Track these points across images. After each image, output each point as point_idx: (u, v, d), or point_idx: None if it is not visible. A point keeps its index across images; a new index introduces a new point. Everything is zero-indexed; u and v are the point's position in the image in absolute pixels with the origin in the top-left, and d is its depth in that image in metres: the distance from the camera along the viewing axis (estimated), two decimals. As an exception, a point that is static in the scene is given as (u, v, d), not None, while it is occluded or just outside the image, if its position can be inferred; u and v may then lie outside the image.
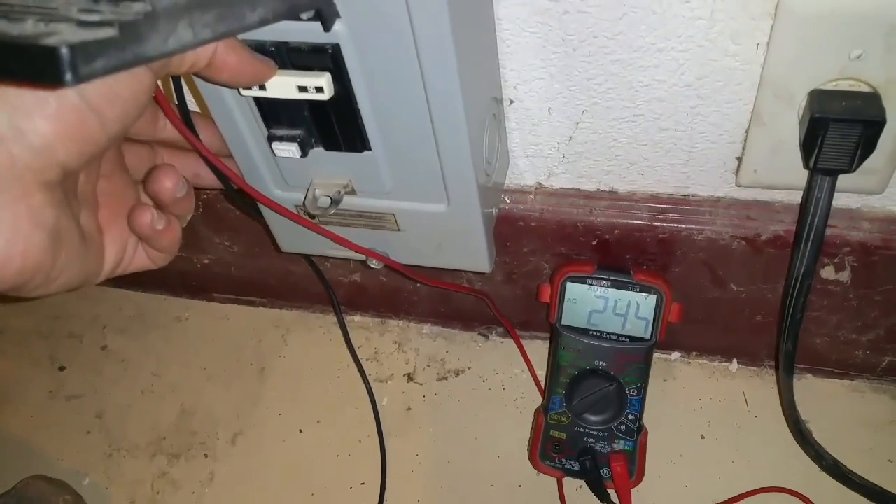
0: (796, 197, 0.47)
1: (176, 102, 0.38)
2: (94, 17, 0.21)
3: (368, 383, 0.65)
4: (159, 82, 0.32)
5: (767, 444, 0.58)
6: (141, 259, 0.38)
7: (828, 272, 0.51)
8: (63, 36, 0.20)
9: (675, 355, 0.64)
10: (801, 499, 0.54)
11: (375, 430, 0.63)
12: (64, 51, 0.19)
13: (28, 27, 0.21)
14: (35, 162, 0.27)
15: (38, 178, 0.27)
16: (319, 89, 0.34)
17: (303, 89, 0.34)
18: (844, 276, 0.51)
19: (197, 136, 0.39)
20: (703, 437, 0.59)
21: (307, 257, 0.59)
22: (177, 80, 0.37)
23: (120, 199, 0.36)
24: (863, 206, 0.47)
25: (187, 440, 0.67)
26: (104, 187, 0.35)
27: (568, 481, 0.57)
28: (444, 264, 0.49)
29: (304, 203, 0.43)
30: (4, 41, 0.20)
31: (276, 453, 0.65)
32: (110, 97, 0.27)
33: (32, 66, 0.20)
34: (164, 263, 0.39)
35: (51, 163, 0.27)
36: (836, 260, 0.50)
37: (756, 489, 0.55)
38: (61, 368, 0.74)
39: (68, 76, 0.19)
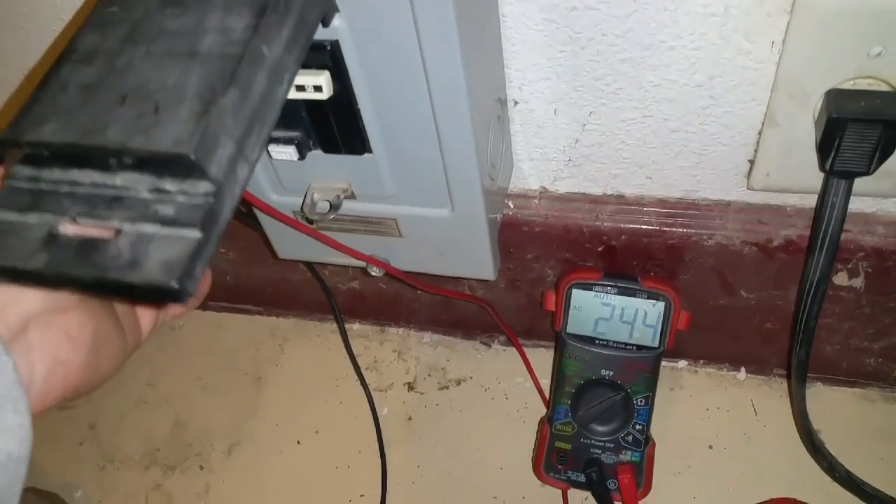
0: (809, 201, 0.46)
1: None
2: (170, 211, 0.22)
3: (369, 393, 0.64)
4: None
5: (777, 454, 0.57)
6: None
7: (841, 278, 0.49)
8: (156, 252, 0.21)
9: (682, 363, 0.63)
10: (812, 511, 0.53)
11: (375, 440, 0.62)
12: (174, 284, 0.21)
13: (124, 247, 0.22)
14: None
15: (75, 297, 0.27)
16: (318, 88, 0.33)
17: (300, 88, 0.33)
18: (858, 282, 0.49)
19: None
20: (711, 447, 0.58)
21: (307, 264, 0.58)
22: None
23: None
24: (878, 211, 0.46)
25: (182, 451, 0.65)
26: None
27: (573, 493, 0.56)
28: (447, 272, 0.47)
29: (302, 208, 0.41)
30: (107, 276, 0.21)
31: (274, 465, 0.63)
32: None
33: (144, 294, 0.21)
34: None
35: None
36: (849, 266, 0.48)
37: (766, 501, 0.54)
38: (53, 378, 0.73)
39: (184, 299, 0.21)
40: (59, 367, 0.27)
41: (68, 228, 0.22)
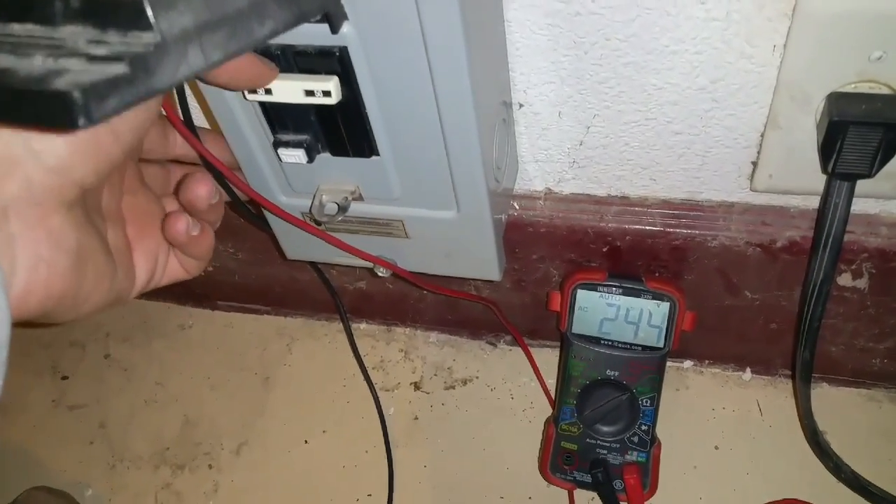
0: (812, 202, 0.46)
1: (180, 112, 0.37)
2: (103, 51, 0.20)
3: (375, 392, 0.64)
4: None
5: (783, 454, 0.57)
6: (174, 269, 0.38)
7: (845, 279, 0.50)
8: (73, 76, 0.19)
9: (688, 364, 0.63)
10: (818, 511, 0.53)
11: (382, 440, 0.62)
12: (76, 94, 0.18)
13: (36, 64, 0.20)
14: (52, 182, 0.26)
15: (57, 198, 0.26)
16: (327, 93, 0.33)
17: (310, 93, 0.33)
18: (862, 283, 0.50)
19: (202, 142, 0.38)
20: (716, 447, 0.58)
21: (313, 264, 0.58)
22: (180, 90, 0.36)
23: (146, 214, 0.36)
24: (881, 212, 0.46)
25: (191, 451, 0.66)
26: (129, 203, 0.35)
27: (579, 494, 0.56)
28: (453, 272, 0.48)
29: (310, 210, 0.42)
30: (13, 85, 0.19)
31: (282, 464, 0.64)
32: None
33: (44, 110, 0.19)
34: (198, 272, 0.39)
35: (68, 181, 0.26)
36: (853, 266, 0.49)
37: (772, 501, 0.54)
38: (64, 378, 0.74)
39: (81, 121, 0.19)
40: (42, 267, 0.26)
41: None
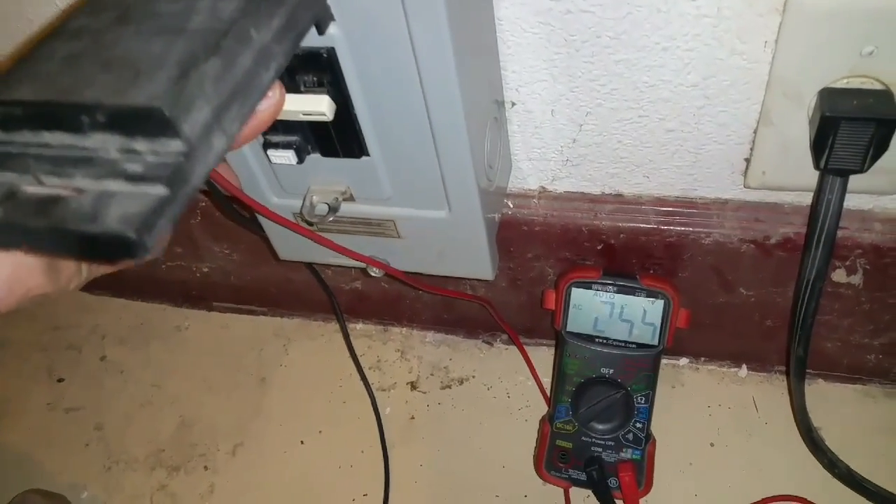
0: (806, 198, 0.46)
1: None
2: (139, 167, 0.21)
3: (372, 392, 0.64)
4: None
5: (779, 451, 0.57)
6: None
7: (839, 275, 0.50)
8: (120, 206, 0.21)
9: (683, 361, 0.63)
10: (814, 507, 0.53)
11: (378, 440, 0.62)
12: (132, 235, 0.20)
13: (85, 202, 0.21)
14: None
15: None
16: (321, 114, 0.33)
17: (307, 114, 0.34)
18: (856, 279, 0.49)
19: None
20: (712, 444, 0.58)
21: (308, 265, 0.58)
22: None
23: None
24: (875, 207, 0.46)
25: (187, 452, 0.66)
26: None
27: (575, 491, 0.56)
28: (447, 272, 0.48)
29: (301, 211, 0.42)
30: (68, 226, 0.21)
31: (278, 465, 0.64)
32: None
33: (104, 250, 0.20)
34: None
35: None
36: (847, 262, 0.48)
37: (767, 498, 0.54)
38: (60, 380, 0.74)
39: (140, 255, 0.20)
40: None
41: (30, 187, 0.22)
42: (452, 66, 0.32)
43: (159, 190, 0.21)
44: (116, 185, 0.21)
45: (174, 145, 0.21)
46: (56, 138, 0.22)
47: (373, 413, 0.63)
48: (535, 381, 0.63)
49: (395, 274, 0.47)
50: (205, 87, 0.22)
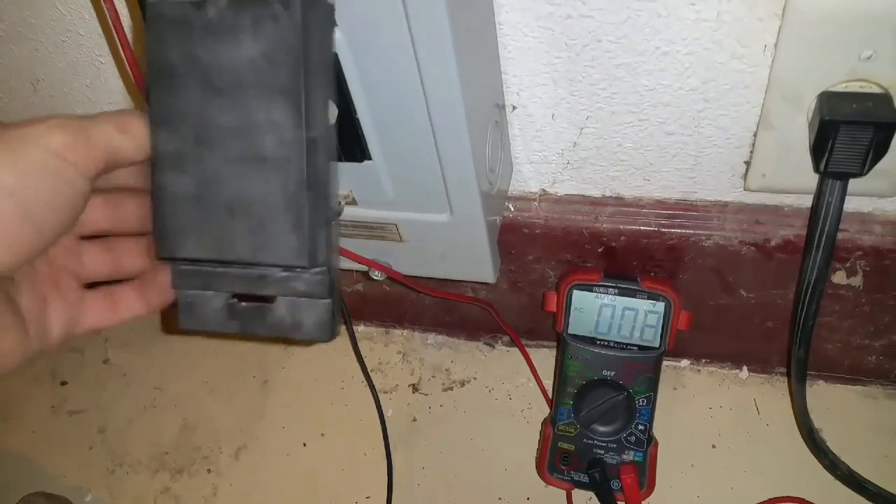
0: (806, 201, 0.46)
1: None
2: (301, 286, 0.31)
3: (376, 394, 0.64)
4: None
5: (780, 452, 0.57)
6: (133, 306, 0.35)
7: (839, 277, 0.50)
8: (309, 316, 0.32)
9: (685, 363, 0.63)
10: (815, 509, 0.53)
11: (380, 442, 0.62)
12: (328, 339, 0.32)
13: (284, 313, 0.32)
14: None
15: None
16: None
17: None
18: (856, 280, 0.50)
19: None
20: (714, 446, 0.58)
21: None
22: None
23: (64, 258, 0.34)
24: (874, 210, 0.46)
25: (190, 455, 0.66)
26: (41, 260, 0.32)
27: (577, 493, 0.56)
28: (448, 275, 0.48)
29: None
30: (274, 333, 0.32)
31: (281, 467, 0.64)
32: (48, 203, 0.27)
33: (302, 342, 0.29)
34: (162, 306, 0.36)
35: None
36: (847, 265, 0.49)
37: (769, 499, 0.54)
38: (63, 383, 0.74)
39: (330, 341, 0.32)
40: None
41: (239, 301, 0.32)
42: (454, 71, 0.32)
43: (327, 301, 0.31)
44: (295, 297, 0.31)
45: (318, 269, 0.31)
46: (233, 268, 0.32)
47: (375, 415, 0.63)
48: (537, 382, 0.63)
49: (396, 277, 0.47)
50: (315, 218, 0.29)
